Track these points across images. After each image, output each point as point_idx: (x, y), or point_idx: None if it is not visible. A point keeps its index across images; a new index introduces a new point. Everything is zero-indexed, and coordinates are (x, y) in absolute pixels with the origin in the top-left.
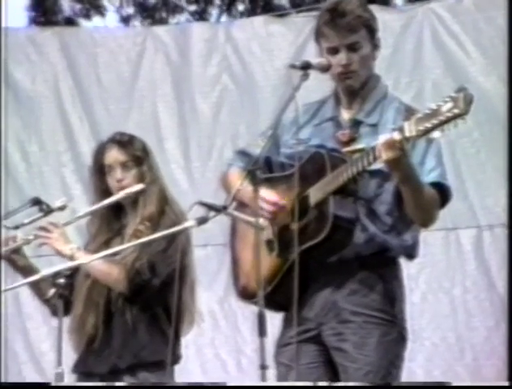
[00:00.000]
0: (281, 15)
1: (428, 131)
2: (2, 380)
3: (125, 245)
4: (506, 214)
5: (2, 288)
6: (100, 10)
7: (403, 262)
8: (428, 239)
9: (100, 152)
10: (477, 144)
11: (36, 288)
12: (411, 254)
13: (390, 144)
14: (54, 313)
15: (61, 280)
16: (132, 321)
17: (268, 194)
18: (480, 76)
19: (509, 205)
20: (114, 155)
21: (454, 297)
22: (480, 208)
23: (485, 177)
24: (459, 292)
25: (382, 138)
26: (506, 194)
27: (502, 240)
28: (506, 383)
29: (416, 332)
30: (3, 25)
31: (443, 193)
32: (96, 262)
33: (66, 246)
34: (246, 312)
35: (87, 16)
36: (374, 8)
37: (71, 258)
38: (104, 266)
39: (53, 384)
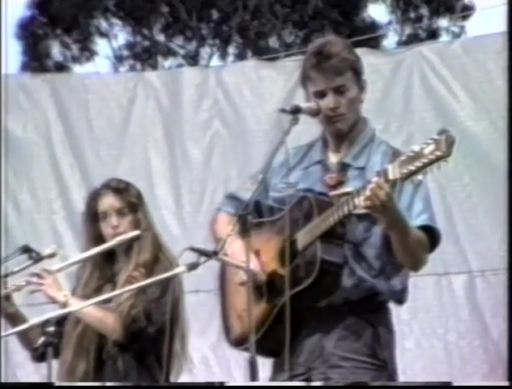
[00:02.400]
0: (272, 59)
1: (411, 174)
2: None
3: (119, 291)
4: (507, 254)
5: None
6: (90, 54)
7: (395, 307)
8: (420, 284)
9: (93, 199)
10: (468, 188)
11: (24, 336)
12: (400, 299)
13: (375, 190)
14: (36, 359)
15: (51, 328)
16: (124, 368)
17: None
18: (470, 121)
19: (509, 246)
20: (110, 201)
21: (448, 342)
22: (471, 253)
23: (477, 221)
24: (453, 337)
25: (366, 186)
26: (507, 233)
27: (495, 285)
28: (506, 383)
29: (409, 378)
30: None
31: (432, 236)
32: (91, 310)
33: (60, 293)
34: (239, 358)
35: (79, 61)
36: (363, 51)
37: (65, 305)
38: (100, 313)
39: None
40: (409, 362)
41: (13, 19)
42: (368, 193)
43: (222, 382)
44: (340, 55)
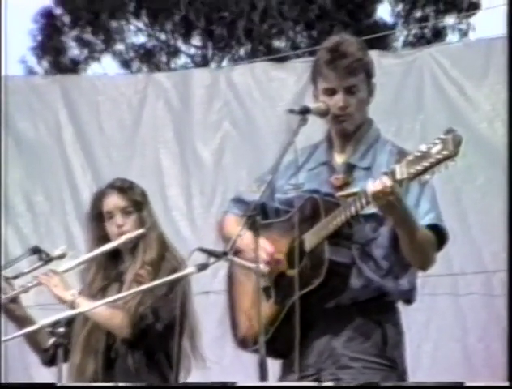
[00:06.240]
0: (281, 61)
1: (419, 174)
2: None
3: (129, 292)
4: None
5: (2, 338)
6: (100, 53)
7: (411, 309)
8: (436, 285)
9: (98, 199)
10: (482, 189)
11: (33, 338)
12: (408, 298)
13: (382, 189)
14: (46, 362)
15: (61, 329)
16: (134, 366)
17: (266, 244)
18: (483, 122)
19: (509, 248)
20: (114, 200)
21: (466, 345)
22: (487, 254)
23: (492, 222)
24: (472, 340)
25: (373, 183)
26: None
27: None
28: (506, 383)
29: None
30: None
31: (440, 235)
32: (98, 308)
33: (67, 292)
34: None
35: (87, 61)
36: (374, 54)
37: (72, 303)
38: (107, 311)
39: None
40: (428, 366)
41: (29, 11)
42: (374, 191)
43: (223, 382)
44: (355, 55)
